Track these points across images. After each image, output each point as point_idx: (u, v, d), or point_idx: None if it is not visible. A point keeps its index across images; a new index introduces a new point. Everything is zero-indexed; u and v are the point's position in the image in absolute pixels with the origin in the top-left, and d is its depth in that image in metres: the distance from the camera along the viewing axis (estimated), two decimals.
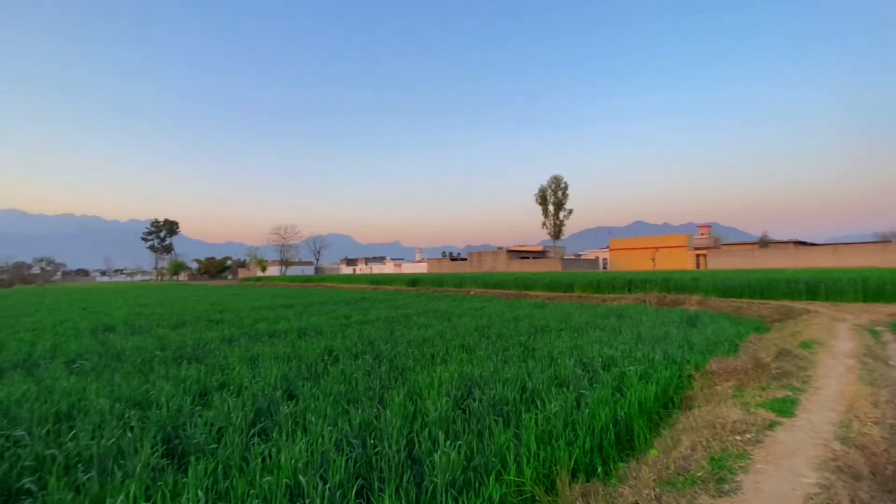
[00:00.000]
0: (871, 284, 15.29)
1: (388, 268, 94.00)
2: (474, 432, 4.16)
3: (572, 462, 3.49)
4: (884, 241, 49.31)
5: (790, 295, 16.48)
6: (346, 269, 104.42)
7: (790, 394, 4.43)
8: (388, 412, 4.51)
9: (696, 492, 2.71)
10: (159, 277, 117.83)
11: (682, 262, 51.16)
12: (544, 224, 71.69)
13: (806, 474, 2.85)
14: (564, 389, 5.46)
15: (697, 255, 51.27)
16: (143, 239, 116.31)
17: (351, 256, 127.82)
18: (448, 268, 71.93)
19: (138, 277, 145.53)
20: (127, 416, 4.62)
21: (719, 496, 2.64)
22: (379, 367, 6.91)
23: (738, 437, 3.40)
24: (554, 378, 6.07)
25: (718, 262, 45.02)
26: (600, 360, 6.97)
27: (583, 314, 13.73)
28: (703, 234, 59.99)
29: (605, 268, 64.59)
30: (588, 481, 3.26)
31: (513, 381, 5.70)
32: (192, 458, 3.52)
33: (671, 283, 20.18)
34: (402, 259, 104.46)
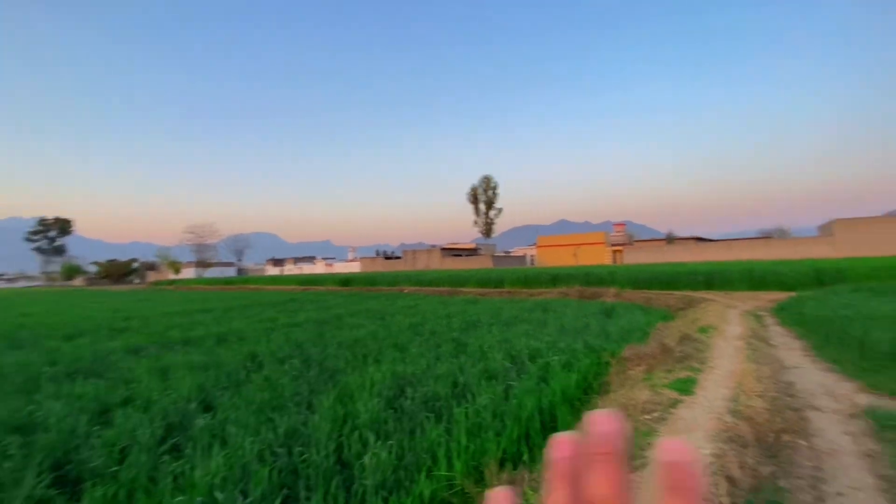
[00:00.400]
0: (755, 275, 17.56)
1: (318, 268, 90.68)
2: (406, 431, 4.15)
3: (500, 452, 3.60)
4: (766, 236, 56.80)
5: (691, 286, 18.40)
6: (273, 270, 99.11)
7: (691, 374, 4.93)
8: (316, 417, 4.35)
9: None
10: (49, 283, 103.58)
11: (601, 257, 55.10)
12: (476, 222, 73.53)
13: (702, 446, 3.19)
14: (494, 382, 5.63)
15: (614, 251, 55.44)
16: (28, 240, 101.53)
17: (278, 256, 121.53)
18: (382, 266, 71.06)
19: (22, 283, 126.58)
20: (4, 443, 4.00)
21: (631, 472, 2.87)
22: (308, 371, 6.64)
23: (647, 417, 3.71)
24: (484, 372, 6.23)
25: (632, 258, 48.98)
26: (527, 351, 7.27)
27: (512, 309, 14.26)
28: (618, 232, 64.97)
29: (532, 264, 67.59)
30: (515, 469, 3.39)
31: (445, 377, 5.77)
32: (88, 484, 3.13)
33: (591, 278, 21.63)
34: (334, 258, 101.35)
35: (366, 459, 3.30)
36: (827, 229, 39.24)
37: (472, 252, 75.42)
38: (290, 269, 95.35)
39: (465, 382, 5.75)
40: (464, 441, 3.73)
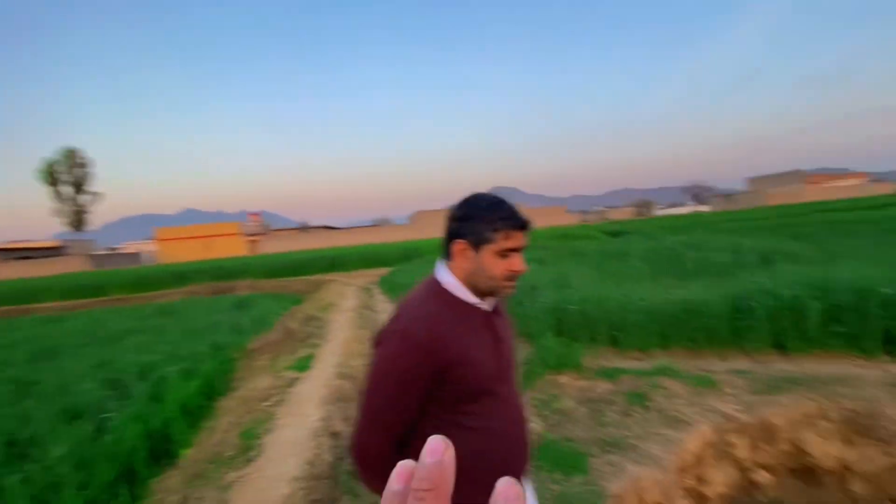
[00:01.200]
0: (368, 256, 21.41)
1: None
2: None
3: None
4: (376, 224, 70.01)
5: (320, 269, 20.42)
6: None
7: (311, 351, 5.44)
8: None
9: (223, 473, 2.82)
10: None
11: (237, 248, 52.53)
12: (58, 211, 53.73)
13: (313, 413, 3.58)
14: (80, 421, 4.36)
15: (250, 242, 54.06)
16: None
17: None
18: None
19: None
20: None
21: (245, 465, 2.88)
22: None
23: (266, 403, 3.82)
24: (65, 412, 4.72)
25: (268, 247, 49.32)
26: (136, 369, 6.02)
27: (120, 321, 11.39)
28: (253, 221, 63.71)
29: (152, 262, 56.60)
30: None
31: None
32: None
33: (224, 271, 20.30)
34: None
35: None
36: (414, 218, 52.58)
37: (53, 251, 55.13)
38: None
39: (30, 435, 4.16)
40: None
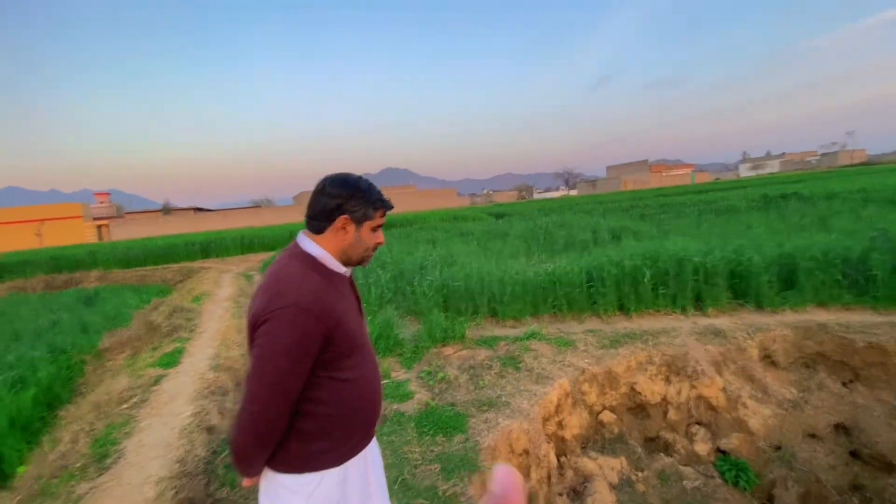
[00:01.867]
0: (246, 240, 19.69)
1: None
2: None
3: None
4: (256, 206, 64.44)
5: (190, 256, 18.25)
6: None
7: (179, 345, 4.94)
8: None
9: (73, 486, 2.48)
10: None
11: (80, 235, 44.14)
12: None
13: (183, 410, 3.29)
14: None
15: (99, 226, 45.90)
16: None
17: None
18: None
19: None
20: None
21: (99, 475, 2.56)
22: None
23: (124, 406, 3.41)
24: None
25: (123, 233, 42.46)
26: None
27: None
28: (102, 203, 54.12)
29: None
30: None
31: None
32: None
33: (63, 262, 17.02)
34: None
35: None
36: (299, 199, 49.60)
37: None
38: None
39: None
40: None
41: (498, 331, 4.76)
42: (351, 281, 1.32)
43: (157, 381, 3.85)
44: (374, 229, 1.23)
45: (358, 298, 1.34)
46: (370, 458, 1.31)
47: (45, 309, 9.79)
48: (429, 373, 3.86)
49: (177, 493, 2.33)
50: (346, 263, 1.24)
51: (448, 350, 4.30)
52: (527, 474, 2.92)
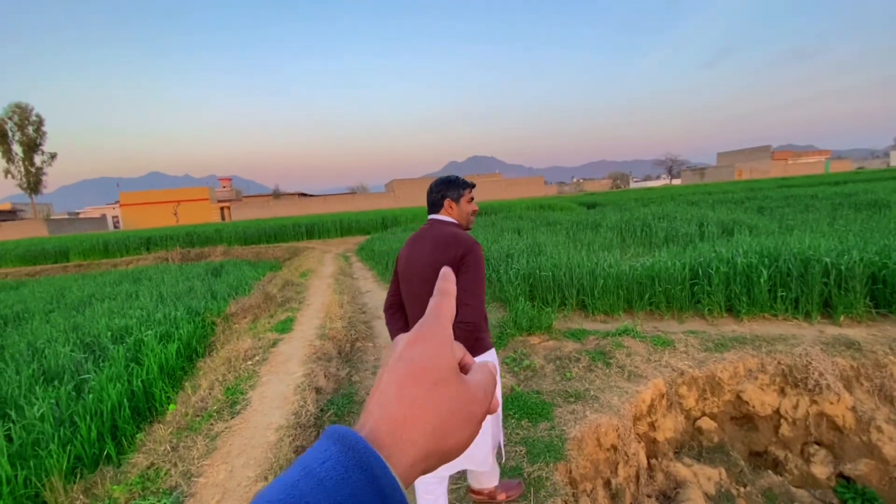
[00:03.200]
0: (345, 224, 21.17)
1: None
2: None
3: (70, 461, 2.92)
4: (352, 192, 68.79)
5: (296, 237, 20.14)
6: None
7: (291, 314, 5.53)
8: None
9: (211, 424, 2.96)
10: None
11: (207, 215, 50.87)
12: (8, 172, 50.36)
13: (296, 371, 3.72)
14: (56, 383, 4.38)
15: (222, 208, 52.40)
16: None
17: None
18: None
19: None
20: None
21: (232, 418, 3.02)
22: None
23: (249, 363, 3.94)
24: (41, 374, 4.73)
25: (241, 214, 48.01)
26: (110, 334, 6.00)
27: (85, 286, 11.12)
28: (224, 187, 61.58)
29: (116, 227, 54.40)
30: (95, 470, 2.86)
31: None
32: None
33: (195, 237, 19.77)
34: None
35: None
36: (390, 187, 51.78)
37: (6, 215, 52.23)
38: None
39: (6, 395, 4.19)
40: (8, 471, 2.78)
41: (587, 324, 4.63)
42: None
43: (275, 343, 4.38)
44: (469, 201, 1.92)
45: None
46: None
47: (182, 277, 11.51)
48: (514, 359, 3.90)
49: (293, 440, 2.67)
50: (462, 227, 1.92)
51: (534, 339, 4.29)
52: (614, 471, 2.85)
